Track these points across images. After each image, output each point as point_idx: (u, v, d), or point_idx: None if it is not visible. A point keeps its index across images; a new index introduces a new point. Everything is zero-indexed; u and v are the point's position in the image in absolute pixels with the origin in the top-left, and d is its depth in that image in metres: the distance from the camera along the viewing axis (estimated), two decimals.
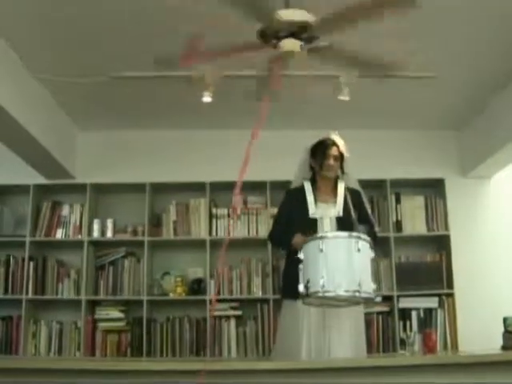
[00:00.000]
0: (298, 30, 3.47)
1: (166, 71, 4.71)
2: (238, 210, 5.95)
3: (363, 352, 4.07)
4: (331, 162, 4.18)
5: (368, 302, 3.69)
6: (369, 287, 3.40)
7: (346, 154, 4.24)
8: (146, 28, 4.25)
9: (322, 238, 3.48)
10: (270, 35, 3.52)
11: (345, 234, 3.56)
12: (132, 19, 4.16)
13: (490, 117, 5.72)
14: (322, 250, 3.39)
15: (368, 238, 3.53)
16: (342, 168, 4.27)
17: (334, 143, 4.22)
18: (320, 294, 3.36)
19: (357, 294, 3.33)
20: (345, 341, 3.86)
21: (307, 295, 3.42)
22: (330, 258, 3.38)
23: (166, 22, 4.12)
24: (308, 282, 3.40)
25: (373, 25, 3.39)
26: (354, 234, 3.52)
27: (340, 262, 3.39)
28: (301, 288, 3.44)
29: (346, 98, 4.96)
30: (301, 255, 3.54)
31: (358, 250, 3.39)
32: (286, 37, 3.48)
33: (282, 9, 3.38)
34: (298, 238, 3.89)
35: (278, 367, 3.17)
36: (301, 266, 3.52)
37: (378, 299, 5.55)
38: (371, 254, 3.52)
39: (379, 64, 3.90)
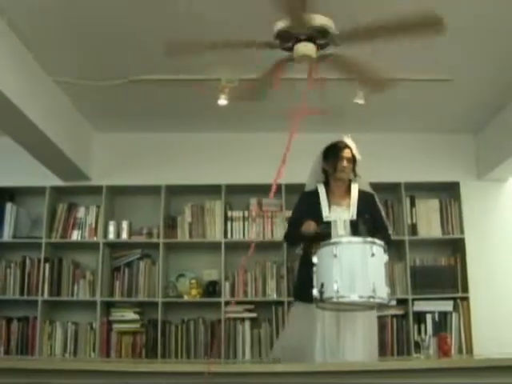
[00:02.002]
0: (318, 36, 3.48)
1: (182, 74, 4.75)
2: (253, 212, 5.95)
3: (375, 356, 4.07)
4: (344, 163, 4.19)
5: (382, 306, 3.69)
6: (383, 292, 3.40)
7: (358, 157, 4.25)
8: (163, 33, 4.27)
9: (335, 243, 3.49)
10: (289, 37, 3.52)
11: (359, 239, 3.56)
12: (151, 23, 4.18)
13: (506, 119, 5.69)
14: (336, 256, 3.39)
15: (382, 243, 3.53)
16: (354, 171, 4.28)
17: (347, 146, 4.23)
18: (334, 300, 3.37)
19: (371, 299, 3.34)
20: (358, 344, 3.86)
21: (321, 300, 3.43)
22: (344, 263, 3.39)
23: (185, 27, 4.13)
24: (322, 286, 3.41)
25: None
26: (368, 239, 3.52)
27: (354, 268, 3.40)
28: (315, 292, 3.45)
29: (362, 102, 4.97)
30: (314, 259, 3.55)
31: (373, 254, 3.40)
32: (304, 40, 3.49)
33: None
34: (308, 224, 3.94)
35: (292, 369, 3.18)
36: (314, 269, 3.53)
37: (393, 303, 5.54)
38: (385, 258, 3.51)
39: (378, 80, 3.94)
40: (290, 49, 3.58)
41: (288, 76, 4.10)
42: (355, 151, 4.24)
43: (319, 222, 4.07)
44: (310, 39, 3.49)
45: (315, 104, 5.37)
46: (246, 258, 5.22)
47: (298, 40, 3.51)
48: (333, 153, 4.24)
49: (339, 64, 3.76)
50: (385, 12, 3.24)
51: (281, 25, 3.46)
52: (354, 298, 3.36)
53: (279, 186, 5.82)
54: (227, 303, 5.68)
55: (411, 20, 3.32)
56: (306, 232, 3.97)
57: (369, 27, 3.39)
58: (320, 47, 3.57)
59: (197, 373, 2.98)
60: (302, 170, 4.43)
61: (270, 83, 4.00)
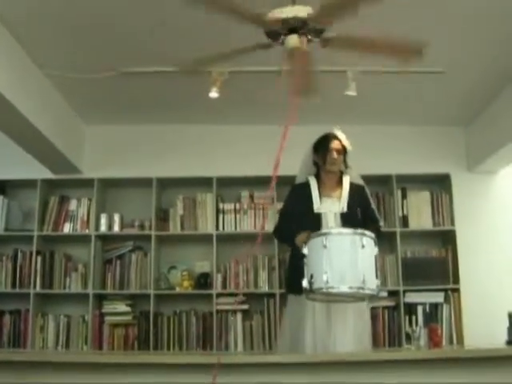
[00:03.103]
0: (298, 26, 3.49)
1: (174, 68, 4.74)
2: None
3: (368, 347, 4.09)
4: (334, 155, 4.18)
5: (372, 298, 3.70)
6: (372, 283, 3.41)
7: (348, 148, 4.26)
8: (155, 24, 4.26)
9: (325, 234, 3.50)
10: (275, 33, 3.53)
11: (349, 230, 3.58)
12: (141, 15, 4.17)
13: (496, 112, 5.71)
14: (325, 246, 3.40)
15: (372, 234, 3.54)
16: (345, 162, 4.29)
17: (336, 137, 4.23)
18: (324, 290, 3.39)
19: (360, 290, 3.35)
20: (350, 335, 3.87)
21: (311, 291, 3.44)
22: (333, 254, 3.40)
23: (176, 19, 4.13)
24: (312, 277, 3.42)
25: (381, 24, 3.43)
26: (359, 230, 3.53)
27: (344, 259, 3.41)
28: (304, 283, 3.46)
29: (353, 94, 4.98)
30: (305, 250, 3.56)
31: (363, 246, 3.41)
32: (289, 33, 3.50)
33: (276, 8, 3.41)
34: (301, 237, 3.87)
35: (283, 361, 3.19)
36: (305, 261, 3.55)
37: (383, 294, 5.56)
38: (375, 249, 3.53)
39: (395, 48, 3.91)
40: (276, 37, 3.59)
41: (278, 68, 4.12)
42: (345, 142, 4.24)
43: (309, 217, 4.07)
44: (293, 31, 3.50)
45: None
46: (249, 250, 5.25)
47: (291, 31, 3.52)
48: (322, 145, 4.25)
49: (347, 43, 3.74)
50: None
51: (293, 12, 3.46)
52: (344, 288, 3.37)
53: (271, 179, 5.82)
54: (219, 295, 5.70)
55: (396, 44, 3.42)
56: (298, 245, 3.91)
57: (357, 40, 3.45)
58: (314, 35, 3.57)
59: (194, 364, 2.99)
60: (294, 163, 4.43)
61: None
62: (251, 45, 3.63)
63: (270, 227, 5.68)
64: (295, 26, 3.48)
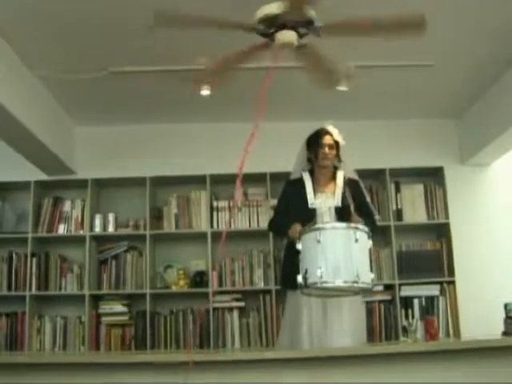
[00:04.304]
0: (301, 25, 3.50)
1: (166, 65, 4.75)
2: (239, 202, 5.96)
3: (363, 341, 4.10)
4: (326, 150, 4.19)
5: (366, 292, 3.70)
6: (367, 277, 3.41)
7: (341, 142, 4.26)
8: (145, 23, 4.25)
9: (319, 229, 3.49)
10: (271, 24, 3.53)
11: (342, 224, 3.58)
12: (131, 14, 4.16)
13: (488, 104, 5.73)
14: (319, 241, 3.40)
15: (366, 228, 3.54)
16: (338, 156, 4.29)
17: (328, 132, 4.23)
18: (318, 285, 3.38)
19: (355, 284, 3.35)
20: (346, 330, 3.88)
21: (306, 286, 3.44)
22: (327, 248, 3.40)
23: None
24: (306, 272, 3.42)
25: (370, 14, 3.42)
26: (352, 224, 3.54)
27: (338, 253, 3.41)
28: (299, 278, 3.45)
29: (345, 89, 4.98)
30: (299, 246, 3.55)
31: (356, 240, 3.40)
32: (288, 28, 3.51)
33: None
34: (294, 228, 3.89)
35: (280, 356, 3.20)
36: (300, 257, 3.55)
37: (378, 288, 5.58)
38: (369, 243, 3.53)
39: (335, 74, 3.95)
40: (270, 35, 3.59)
41: (270, 65, 4.11)
42: (337, 136, 4.24)
43: (304, 212, 4.08)
44: (293, 27, 3.50)
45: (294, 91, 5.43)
46: (221, 250, 5.27)
47: (281, 27, 3.52)
48: (314, 141, 4.25)
49: (342, 28, 3.73)
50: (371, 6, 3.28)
51: (269, 10, 3.47)
52: (338, 283, 3.37)
53: (264, 175, 5.84)
54: (215, 293, 5.70)
55: (394, 20, 3.39)
56: (291, 237, 3.94)
57: (352, 23, 3.43)
58: (300, 36, 3.59)
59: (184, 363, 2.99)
60: (286, 159, 4.45)
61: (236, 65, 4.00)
62: (250, 47, 3.64)
63: (263, 224, 5.72)
64: (278, 23, 3.49)
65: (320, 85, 4.31)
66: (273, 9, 3.44)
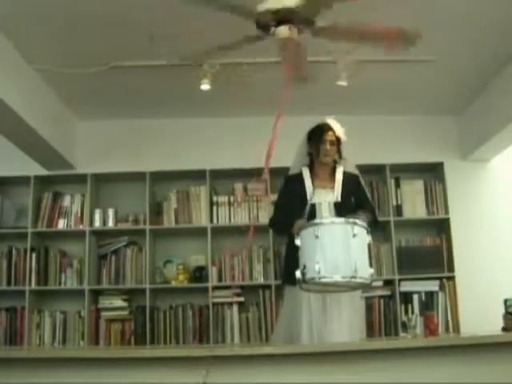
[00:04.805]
0: (288, 16, 3.49)
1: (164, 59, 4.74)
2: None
3: (362, 335, 4.10)
4: (327, 146, 4.18)
5: (364, 287, 3.70)
6: (365, 272, 3.40)
7: (342, 138, 4.24)
8: (145, 17, 4.25)
9: (317, 224, 3.48)
10: (265, 25, 3.53)
11: (340, 219, 3.57)
12: (132, 8, 4.15)
13: (489, 100, 5.72)
14: (317, 237, 3.39)
15: (364, 224, 3.53)
16: (339, 152, 4.27)
17: (330, 128, 4.21)
18: (316, 280, 3.37)
19: (353, 279, 3.34)
20: (345, 325, 3.88)
21: (304, 281, 3.44)
22: (325, 244, 3.39)
23: (166, 12, 4.11)
24: (304, 267, 3.41)
25: (372, 11, 3.43)
26: (350, 219, 3.53)
27: (336, 248, 3.40)
28: (298, 274, 3.45)
29: (345, 84, 4.98)
30: (297, 241, 3.54)
31: (354, 235, 3.39)
32: (279, 25, 3.50)
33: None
34: (299, 222, 3.89)
35: (280, 351, 3.19)
36: (299, 252, 3.54)
37: (378, 284, 5.58)
38: (368, 238, 3.52)
39: (386, 35, 3.89)
40: (266, 28, 3.59)
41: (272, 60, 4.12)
42: (339, 132, 4.22)
43: (303, 208, 4.07)
44: (284, 22, 3.50)
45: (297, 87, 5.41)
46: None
47: (281, 23, 3.52)
48: (316, 136, 4.23)
49: (338, 32, 3.73)
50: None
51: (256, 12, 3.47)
52: (336, 278, 3.36)
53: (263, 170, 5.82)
54: (215, 288, 5.71)
55: (390, 31, 3.42)
56: (295, 233, 3.92)
57: (349, 29, 3.45)
58: (305, 25, 3.57)
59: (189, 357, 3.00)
60: (287, 154, 4.43)
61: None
62: (239, 39, 3.63)
63: (263, 219, 5.71)
64: (285, 17, 3.48)
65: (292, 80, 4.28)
66: (286, 2, 3.43)
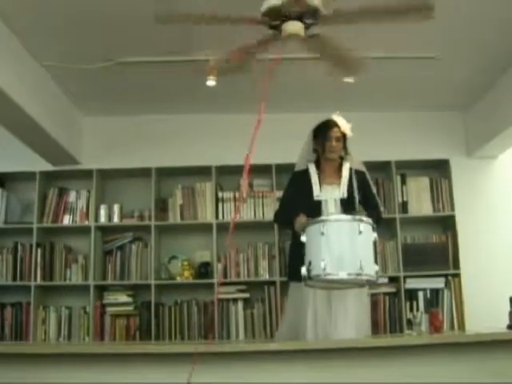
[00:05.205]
0: (307, 15, 3.47)
1: (172, 56, 4.73)
2: (245, 193, 5.95)
3: (368, 333, 4.10)
4: (333, 143, 4.18)
5: (370, 284, 3.69)
6: (371, 269, 3.40)
7: (348, 134, 4.23)
8: (150, 13, 4.23)
9: (323, 221, 3.48)
10: (277, 15, 3.51)
11: (346, 216, 3.57)
12: (137, 3, 4.14)
13: (495, 97, 5.70)
14: (323, 233, 3.38)
15: (370, 220, 3.52)
16: (345, 148, 4.27)
17: (336, 124, 4.21)
18: (322, 277, 3.37)
19: (358, 276, 3.34)
20: (350, 322, 3.88)
21: (309, 278, 3.43)
22: (331, 241, 3.38)
23: (172, 7, 4.10)
24: (310, 264, 3.41)
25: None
26: (356, 216, 3.52)
27: (342, 245, 3.40)
28: (303, 271, 3.44)
29: (351, 80, 4.96)
30: (303, 238, 3.54)
31: (360, 232, 3.38)
32: (293, 19, 3.48)
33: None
34: (299, 219, 3.90)
35: (284, 348, 3.20)
36: (305, 249, 3.54)
37: (382, 281, 5.56)
38: (373, 235, 3.51)
39: (353, 64, 3.93)
40: (277, 27, 3.56)
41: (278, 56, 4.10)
42: (345, 129, 4.21)
43: (309, 204, 4.06)
44: (298, 18, 3.48)
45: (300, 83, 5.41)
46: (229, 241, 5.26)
47: (287, 18, 3.50)
48: (322, 132, 4.23)
49: (322, 45, 3.74)
50: None
51: (272, 2, 3.44)
52: (342, 275, 3.35)
53: (269, 167, 5.82)
54: (220, 284, 5.71)
55: (401, 5, 3.36)
56: (297, 230, 3.94)
57: (358, 10, 3.40)
58: (307, 26, 3.56)
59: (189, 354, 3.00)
60: (292, 150, 4.43)
61: (252, 60, 3.97)
62: (255, 42, 3.62)
63: (269, 215, 5.71)
64: (290, 12, 3.47)
65: (336, 74, 4.28)
66: (273, 2, 3.42)
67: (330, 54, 3.83)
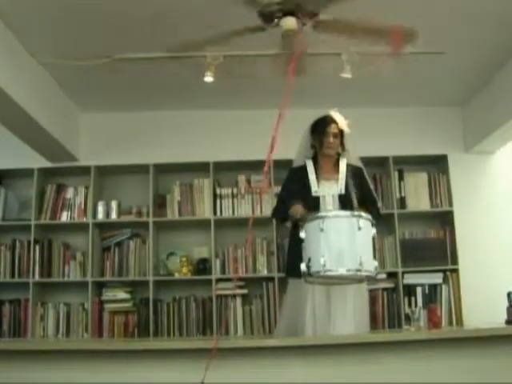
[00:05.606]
0: (295, 8, 3.48)
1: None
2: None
3: (366, 328, 4.10)
4: (331, 139, 4.18)
5: (370, 279, 3.70)
6: (370, 265, 3.40)
7: (346, 131, 4.23)
8: (148, 9, 4.23)
9: (322, 217, 3.48)
10: (269, 16, 3.52)
11: (346, 212, 3.56)
12: (134, 0, 4.15)
13: (493, 92, 5.70)
14: (322, 230, 3.38)
15: (369, 216, 3.53)
16: (342, 145, 4.27)
17: (333, 120, 4.21)
18: (321, 274, 3.37)
19: (358, 272, 3.34)
20: (349, 318, 3.88)
21: (309, 274, 3.44)
22: (330, 237, 3.38)
23: (169, 4, 4.10)
24: (309, 261, 3.41)
25: (378, 2, 3.42)
26: (355, 212, 3.52)
27: (341, 241, 3.39)
28: (302, 267, 3.44)
29: (349, 76, 4.96)
30: (302, 234, 3.54)
31: (359, 228, 3.38)
32: (285, 16, 3.49)
33: None
34: (295, 208, 3.91)
35: (283, 344, 3.20)
36: (304, 245, 3.54)
37: (381, 276, 5.57)
38: (373, 231, 3.52)
39: (386, 32, 3.88)
40: (274, 23, 3.58)
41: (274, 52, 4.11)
42: (342, 125, 4.21)
43: (307, 200, 4.07)
44: (290, 13, 3.49)
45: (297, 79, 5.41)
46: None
47: (281, 15, 3.51)
48: (319, 128, 4.23)
49: (340, 26, 3.72)
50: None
51: (261, 3, 3.46)
52: (341, 271, 3.36)
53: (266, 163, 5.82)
54: (218, 280, 5.71)
55: (388, 28, 3.42)
56: (292, 216, 3.97)
57: (350, 24, 3.45)
58: (308, 17, 3.57)
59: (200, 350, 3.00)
60: (291, 146, 4.42)
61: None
62: (241, 28, 3.62)
63: (267, 211, 5.71)
64: (290, 8, 3.48)
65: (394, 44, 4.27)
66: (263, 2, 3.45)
67: (362, 29, 3.81)
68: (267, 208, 5.80)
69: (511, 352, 3.11)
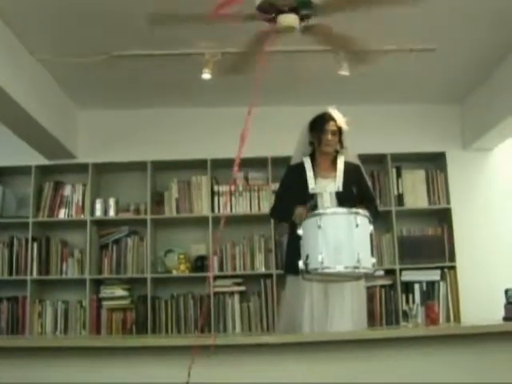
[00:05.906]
0: (300, 6, 3.47)
1: (166, 49, 4.72)
2: (240, 186, 5.95)
3: (364, 325, 4.10)
4: (329, 137, 4.17)
5: (367, 276, 3.70)
6: (368, 262, 3.41)
7: (344, 128, 4.23)
8: (145, 6, 4.23)
9: (320, 214, 3.48)
10: (270, 8, 3.50)
11: (343, 210, 3.56)
12: None
13: (491, 89, 5.70)
14: (320, 227, 3.39)
15: (367, 213, 3.53)
16: (340, 142, 4.27)
17: (332, 118, 4.20)
18: (319, 271, 3.38)
19: (356, 269, 3.35)
20: (346, 315, 3.88)
21: (307, 271, 3.44)
22: (328, 234, 3.39)
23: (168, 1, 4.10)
24: (307, 258, 3.41)
25: None
26: (353, 209, 3.52)
27: (339, 238, 3.40)
28: (300, 264, 3.45)
29: (346, 73, 4.95)
30: (300, 231, 3.54)
31: (357, 225, 3.39)
32: (287, 12, 3.48)
33: None
34: (299, 210, 3.89)
35: (280, 341, 3.20)
36: (302, 242, 3.54)
37: (379, 273, 5.57)
38: (370, 228, 3.52)
39: (360, 51, 3.93)
40: (272, 20, 3.56)
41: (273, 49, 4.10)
42: (340, 122, 4.21)
43: (308, 199, 4.06)
44: (292, 10, 3.48)
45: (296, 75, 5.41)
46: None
47: (280, 11, 3.49)
48: (318, 126, 4.22)
49: (323, 35, 3.75)
50: None
51: None
52: (339, 268, 3.37)
53: (265, 160, 5.82)
54: (216, 277, 5.71)
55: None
56: (296, 221, 3.93)
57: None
58: (302, 18, 3.56)
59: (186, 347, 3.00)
60: (288, 143, 4.42)
61: (254, 56, 3.96)
62: (236, 15, 3.60)
63: (264, 208, 5.72)
64: (297, 7, 3.47)
65: (355, 62, 4.29)
66: None
67: (339, 43, 3.82)
68: (265, 205, 5.80)
69: (508, 349, 3.11)
